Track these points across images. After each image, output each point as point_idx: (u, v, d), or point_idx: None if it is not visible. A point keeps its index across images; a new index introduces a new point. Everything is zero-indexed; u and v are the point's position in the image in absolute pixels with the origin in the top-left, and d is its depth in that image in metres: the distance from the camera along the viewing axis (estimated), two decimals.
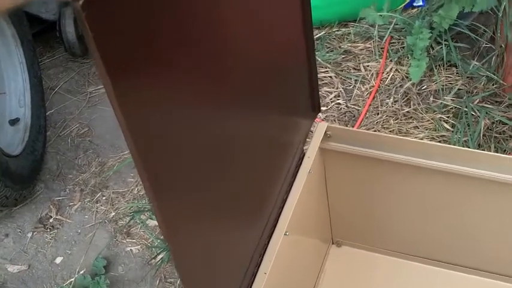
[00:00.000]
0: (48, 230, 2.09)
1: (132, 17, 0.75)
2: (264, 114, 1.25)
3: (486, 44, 2.27)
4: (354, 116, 2.19)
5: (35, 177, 2.19)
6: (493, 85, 2.16)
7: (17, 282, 1.99)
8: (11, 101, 2.22)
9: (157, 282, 1.91)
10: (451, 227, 1.54)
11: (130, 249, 2.01)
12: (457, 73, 2.24)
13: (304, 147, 1.47)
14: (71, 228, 2.09)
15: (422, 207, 1.54)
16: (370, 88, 2.26)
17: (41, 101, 2.30)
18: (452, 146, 1.45)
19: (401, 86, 2.24)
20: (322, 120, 2.18)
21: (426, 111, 2.15)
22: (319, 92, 2.25)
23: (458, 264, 1.63)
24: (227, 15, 1.01)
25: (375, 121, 2.16)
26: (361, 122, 2.16)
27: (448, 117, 2.13)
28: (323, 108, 2.21)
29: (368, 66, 2.33)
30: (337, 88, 2.28)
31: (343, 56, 2.38)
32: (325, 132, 1.46)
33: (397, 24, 2.37)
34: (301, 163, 1.43)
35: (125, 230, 2.04)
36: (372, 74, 2.30)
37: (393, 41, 2.38)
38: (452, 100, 2.16)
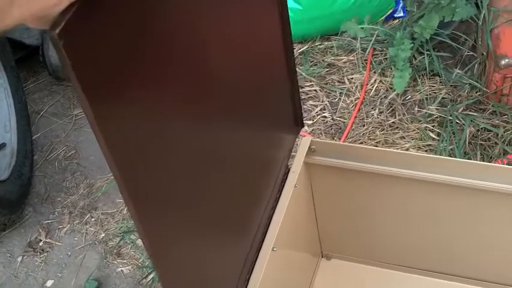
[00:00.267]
0: (38, 253, 2.09)
1: (109, 43, 0.76)
2: (247, 131, 1.26)
3: (468, 52, 2.28)
4: (340, 129, 2.20)
5: (23, 202, 2.18)
6: (476, 93, 2.17)
7: None
8: None
9: None
10: (439, 237, 1.55)
11: (121, 270, 2.00)
12: (440, 82, 2.25)
13: (289, 162, 1.48)
14: (61, 251, 2.09)
15: (409, 218, 1.55)
16: (355, 100, 2.27)
17: (27, 125, 2.30)
18: (437, 156, 1.46)
19: (385, 97, 2.25)
20: (309, 133, 2.19)
21: (411, 121, 2.17)
22: (305, 106, 2.27)
23: (446, 273, 1.64)
24: (206, 36, 1.02)
25: (361, 133, 2.17)
26: (347, 134, 2.17)
27: (433, 126, 2.14)
28: (309, 122, 2.22)
29: (352, 78, 2.34)
30: (322, 101, 2.29)
31: (327, 70, 2.39)
32: (310, 146, 1.47)
33: (379, 36, 2.39)
34: (286, 178, 1.44)
35: (115, 251, 2.04)
36: (357, 86, 2.31)
37: (376, 52, 2.39)
38: (437, 109, 2.18)
